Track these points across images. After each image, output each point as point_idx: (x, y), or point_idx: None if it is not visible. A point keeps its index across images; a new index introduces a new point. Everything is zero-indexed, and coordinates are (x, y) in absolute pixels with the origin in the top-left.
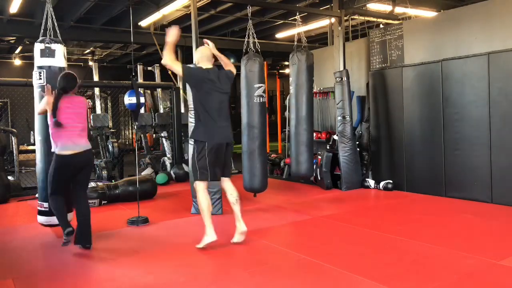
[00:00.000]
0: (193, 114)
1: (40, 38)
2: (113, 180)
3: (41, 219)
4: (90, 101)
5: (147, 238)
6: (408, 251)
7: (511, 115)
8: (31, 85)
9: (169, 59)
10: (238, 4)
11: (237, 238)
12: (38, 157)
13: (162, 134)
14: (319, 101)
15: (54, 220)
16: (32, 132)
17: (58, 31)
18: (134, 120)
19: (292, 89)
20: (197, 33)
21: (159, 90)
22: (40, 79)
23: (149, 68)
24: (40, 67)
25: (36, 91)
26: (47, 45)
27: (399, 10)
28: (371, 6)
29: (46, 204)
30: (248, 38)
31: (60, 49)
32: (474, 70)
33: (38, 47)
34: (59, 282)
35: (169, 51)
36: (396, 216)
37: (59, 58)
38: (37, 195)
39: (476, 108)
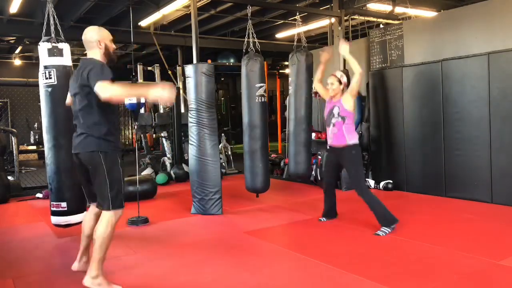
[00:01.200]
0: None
1: (45, 38)
2: None
3: (59, 219)
4: None
5: (147, 238)
6: (408, 251)
7: (511, 115)
8: (31, 85)
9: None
10: (238, 4)
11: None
12: (51, 157)
13: (162, 134)
14: (319, 101)
15: (72, 219)
16: (32, 132)
17: (60, 31)
18: (134, 120)
19: (291, 89)
20: (197, 33)
21: None
22: (50, 78)
23: (149, 68)
24: (47, 67)
25: (43, 91)
26: (54, 44)
27: (399, 10)
28: (371, 6)
29: (64, 204)
30: (248, 38)
31: (67, 48)
32: (474, 70)
33: (45, 46)
34: (58, 282)
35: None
36: (396, 216)
37: (67, 57)
38: (37, 195)
39: (476, 108)
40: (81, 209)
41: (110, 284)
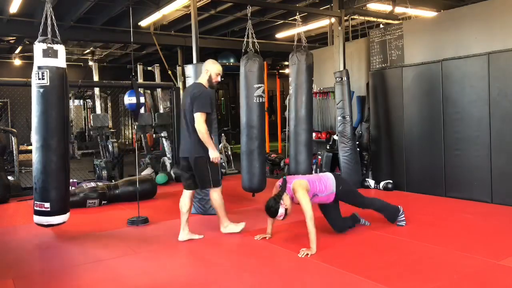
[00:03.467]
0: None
1: (41, 38)
2: (113, 180)
3: (41, 219)
4: (90, 101)
5: (147, 238)
6: (408, 251)
7: (511, 115)
8: (31, 85)
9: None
10: (238, 4)
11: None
12: (38, 157)
13: (162, 134)
14: (319, 101)
15: (54, 220)
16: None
17: (57, 31)
18: (134, 120)
19: (291, 89)
20: (197, 33)
21: (159, 90)
22: (43, 79)
23: (149, 68)
24: (40, 67)
25: (35, 92)
26: (49, 45)
27: (399, 10)
28: (371, 6)
29: (47, 205)
30: (248, 38)
31: (62, 50)
32: (474, 70)
33: (40, 47)
34: (58, 282)
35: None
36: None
37: (62, 58)
38: None
39: (476, 108)
40: (64, 210)
41: (236, 224)
